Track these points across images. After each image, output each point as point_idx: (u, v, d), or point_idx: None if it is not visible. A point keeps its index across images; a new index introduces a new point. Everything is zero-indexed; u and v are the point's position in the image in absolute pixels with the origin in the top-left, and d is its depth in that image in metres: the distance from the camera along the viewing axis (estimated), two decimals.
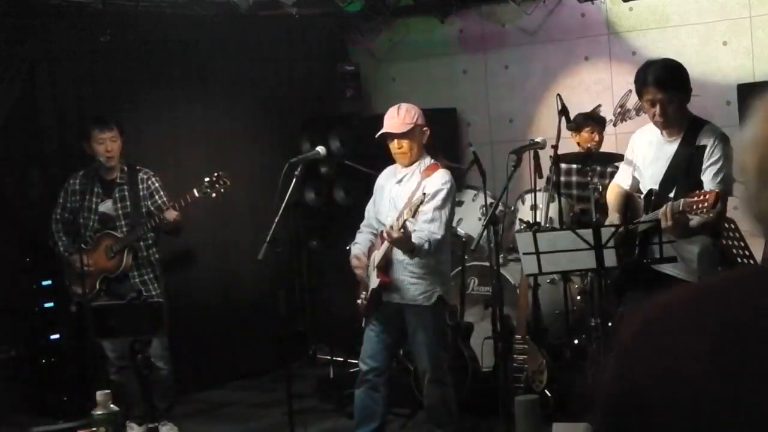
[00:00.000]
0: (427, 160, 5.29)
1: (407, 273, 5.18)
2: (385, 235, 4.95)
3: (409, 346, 5.52)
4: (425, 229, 5.03)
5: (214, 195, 5.98)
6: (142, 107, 7.26)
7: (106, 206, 6.13)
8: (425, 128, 5.26)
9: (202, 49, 7.65)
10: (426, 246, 5.02)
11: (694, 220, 4.36)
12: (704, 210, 4.17)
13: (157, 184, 6.18)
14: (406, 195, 5.16)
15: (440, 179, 5.15)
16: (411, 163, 5.25)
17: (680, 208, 4.27)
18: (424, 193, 4.93)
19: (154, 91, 7.38)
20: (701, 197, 4.20)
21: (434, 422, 5.46)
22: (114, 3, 6.80)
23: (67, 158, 6.79)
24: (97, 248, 6.07)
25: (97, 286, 6.04)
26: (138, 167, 6.24)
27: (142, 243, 6.12)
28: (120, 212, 6.11)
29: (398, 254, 5.17)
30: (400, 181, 5.28)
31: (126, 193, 6.12)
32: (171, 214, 5.91)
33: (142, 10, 7.00)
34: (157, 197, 6.15)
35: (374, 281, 5.25)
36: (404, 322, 5.30)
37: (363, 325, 5.43)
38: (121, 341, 5.77)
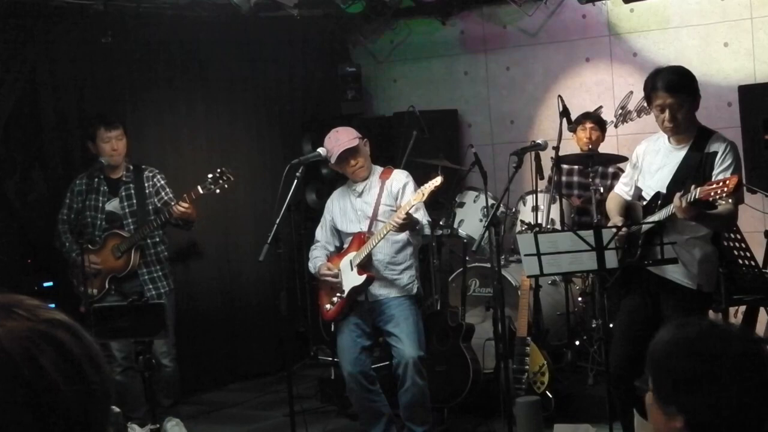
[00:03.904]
0: (378, 168, 5.62)
1: (389, 270, 5.46)
2: (395, 220, 5.10)
3: (389, 342, 5.49)
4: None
5: (218, 191, 5.97)
6: (143, 108, 7.26)
7: (112, 205, 6.16)
8: (365, 139, 5.56)
9: (204, 51, 7.65)
10: (425, 226, 5.40)
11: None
12: (724, 195, 4.16)
13: (162, 182, 6.22)
14: (372, 203, 5.47)
15: (402, 176, 5.55)
16: (368, 176, 5.54)
17: (696, 196, 4.26)
18: (438, 178, 5.16)
19: (155, 93, 7.37)
20: (720, 183, 4.19)
21: (413, 421, 5.42)
22: (115, 4, 6.81)
23: (67, 159, 6.79)
24: (105, 248, 6.09)
25: (106, 286, 6.07)
26: (143, 166, 6.27)
27: (149, 240, 6.14)
28: (126, 210, 6.13)
29: (378, 254, 5.40)
30: (360, 194, 5.54)
31: (132, 191, 6.15)
32: (179, 208, 5.92)
33: (144, 12, 7.01)
34: (163, 194, 6.18)
35: (357, 279, 5.38)
36: (381, 319, 5.42)
37: (332, 329, 5.60)
38: (126, 342, 5.78)
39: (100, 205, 6.13)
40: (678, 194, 4.35)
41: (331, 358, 7.15)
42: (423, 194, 5.10)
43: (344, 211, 5.60)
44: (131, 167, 6.21)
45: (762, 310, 5.90)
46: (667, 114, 4.49)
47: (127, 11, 6.94)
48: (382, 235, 5.25)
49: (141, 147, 6.91)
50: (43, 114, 6.75)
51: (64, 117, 6.85)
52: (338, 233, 5.65)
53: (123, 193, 6.14)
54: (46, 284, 6.50)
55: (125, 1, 6.85)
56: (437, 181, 5.11)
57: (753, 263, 5.63)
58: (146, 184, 6.18)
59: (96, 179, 6.12)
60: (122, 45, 7.03)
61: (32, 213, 6.66)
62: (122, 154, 6.12)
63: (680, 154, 4.61)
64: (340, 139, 5.47)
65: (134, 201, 6.13)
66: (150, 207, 6.15)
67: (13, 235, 6.66)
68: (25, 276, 6.58)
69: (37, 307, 1.18)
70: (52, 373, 1.12)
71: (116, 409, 3.35)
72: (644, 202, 4.74)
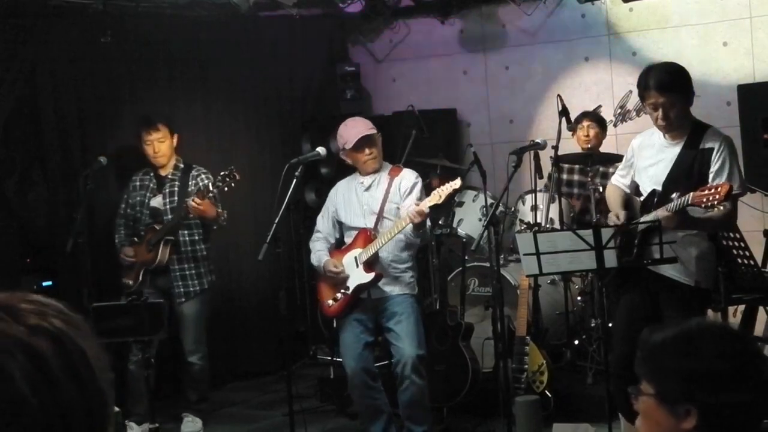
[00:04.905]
0: (388, 164, 5.61)
1: (392, 268, 5.46)
2: (414, 214, 5.09)
3: (389, 339, 5.48)
4: None
5: (226, 189, 6.03)
6: (143, 108, 7.23)
7: (156, 201, 6.30)
8: (378, 133, 5.57)
9: (203, 50, 7.64)
10: (427, 230, 5.53)
11: (697, 212, 4.37)
12: (715, 202, 4.18)
13: (206, 181, 6.24)
14: (380, 198, 5.45)
15: (411, 175, 5.53)
16: (377, 169, 5.52)
17: (689, 201, 4.27)
18: (457, 180, 5.19)
19: (155, 92, 7.36)
20: (712, 190, 4.20)
21: (412, 420, 5.40)
22: (115, 3, 6.81)
23: (67, 158, 6.79)
24: (143, 241, 6.25)
25: (140, 278, 6.21)
26: (193, 165, 6.37)
27: (188, 237, 6.23)
28: (167, 207, 6.25)
29: (382, 252, 5.40)
30: (368, 188, 5.51)
31: (176, 188, 6.27)
32: (192, 203, 5.94)
33: (143, 11, 7.01)
34: None
35: (364, 276, 5.38)
36: (383, 316, 5.42)
37: (335, 326, 5.60)
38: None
39: (146, 200, 6.30)
40: (660, 209, 4.38)
41: (330, 358, 7.15)
42: (440, 196, 5.09)
43: (349, 203, 5.57)
44: (181, 165, 6.32)
45: (761, 309, 5.90)
46: (660, 112, 4.49)
47: (127, 11, 6.94)
48: (393, 234, 5.25)
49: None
50: (43, 114, 6.75)
51: (64, 117, 6.84)
52: (340, 225, 5.64)
53: (167, 190, 6.28)
54: (45, 284, 6.51)
55: (125, 1, 6.85)
56: (456, 183, 5.08)
57: (752, 262, 5.63)
58: (190, 183, 6.27)
59: (148, 176, 6.32)
60: (122, 44, 7.03)
61: (32, 213, 6.66)
62: (166, 155, 6.25)
63: (675, 150, 4.61)
64: (359, 126, 5.49)
65: (176, 198, 6.24)
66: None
67: (13, 235, 6.67)
68: (24, 276, 6.59)
69: (27, 311, 1.13)
70: (21, 383, 1.08)
71: (115, 409, 3.35)
72: (641, 199, 4.75)
